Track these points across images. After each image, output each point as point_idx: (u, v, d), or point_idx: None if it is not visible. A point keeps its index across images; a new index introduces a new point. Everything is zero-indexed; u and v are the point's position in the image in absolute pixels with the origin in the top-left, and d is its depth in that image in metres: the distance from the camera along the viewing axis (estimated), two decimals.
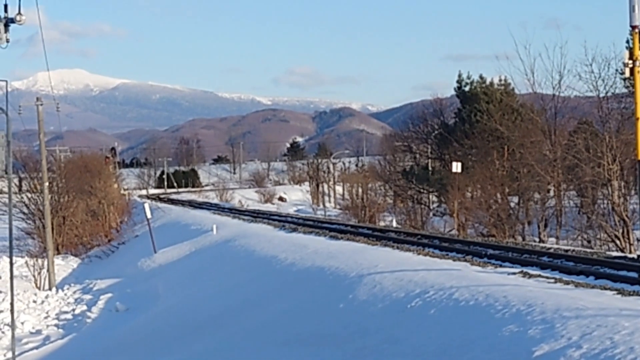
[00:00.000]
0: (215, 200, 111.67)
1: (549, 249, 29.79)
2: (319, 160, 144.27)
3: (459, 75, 76.29)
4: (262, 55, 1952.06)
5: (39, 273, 49.23)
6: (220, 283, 32.95)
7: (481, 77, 75.17)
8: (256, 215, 61.86)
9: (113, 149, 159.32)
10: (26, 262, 50.57)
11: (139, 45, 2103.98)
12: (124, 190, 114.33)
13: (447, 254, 27.50)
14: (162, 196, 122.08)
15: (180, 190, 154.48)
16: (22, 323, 34.27)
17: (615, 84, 48.11)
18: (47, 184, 54.69)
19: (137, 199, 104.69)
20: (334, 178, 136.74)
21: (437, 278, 20.51)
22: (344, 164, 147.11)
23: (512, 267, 23.44)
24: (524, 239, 49.07)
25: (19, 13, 21.49)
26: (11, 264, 25.34)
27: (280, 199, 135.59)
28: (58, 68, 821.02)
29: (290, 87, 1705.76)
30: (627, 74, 11.06)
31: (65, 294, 43.63)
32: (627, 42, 48.95)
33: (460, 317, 17.01)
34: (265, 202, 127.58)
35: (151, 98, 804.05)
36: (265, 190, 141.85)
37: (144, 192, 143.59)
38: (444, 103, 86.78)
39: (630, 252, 37.91)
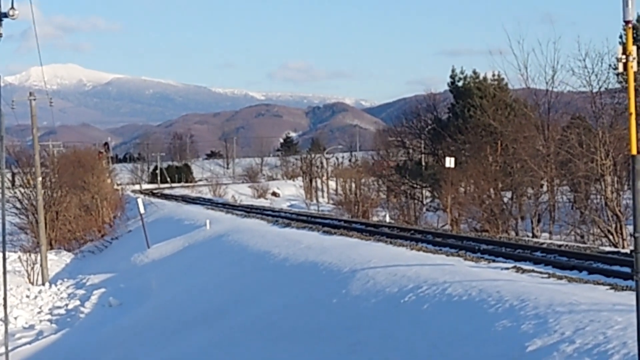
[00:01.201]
0: (209, 196, 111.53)
1: (542, 244, 29.85)
2: (312, 156, 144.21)
3: (453, 71, 76.40)
4: (255, 51, 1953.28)
5: (32, 268, 49.18)
6: (214, 278, 32.93)
7: (474, 72, 75.26)
8: (249, 211, 61.84)
9: (106, 144, 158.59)
10: (19, 257, 50.49)
11: (132, 40, 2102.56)
12: (117, 185, 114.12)
13: (441, 249, 27.53)
14: (155, 191, 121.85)
15: (173, 185, 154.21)
16: (15, 318, 34.25)
17: (609, 79, 48.16)
18: (40, 179, 54.62)
19: (130, 194, 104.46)
20: (327, 173, 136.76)
21: (430, 273, 20.51)
22: (337, 159, 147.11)
23: (506, 262, 23.47)
24: (517, 234, 49.12)
25: (12, 7, 21.38)
26: (4, 259, 25.28)
27: (274, 194, 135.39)
28: (51, 63, 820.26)
29: (284, 82, 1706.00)
30: (621, 69, 10.99)
31: (59, 289, 43.60)
32: (621, 37, 49.05)
33: (453, 312, 17.02)
34: (259, 197, 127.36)
35: (144, 93, 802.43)
36: (258, 185, 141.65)
37: (137, 187, 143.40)
38: (437, 98, 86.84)
39: (623, 247, 37.95)
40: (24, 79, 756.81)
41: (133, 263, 46.82)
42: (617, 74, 46.72)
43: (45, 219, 55.59)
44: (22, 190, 64.29)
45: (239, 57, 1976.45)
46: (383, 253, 25.89)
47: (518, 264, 22.35)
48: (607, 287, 17.74)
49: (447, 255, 25.24)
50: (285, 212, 60.78)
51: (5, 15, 21.57)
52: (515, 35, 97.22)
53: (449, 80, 76.68)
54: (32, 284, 47.78)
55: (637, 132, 11.47)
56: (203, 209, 67.47)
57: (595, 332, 13.19)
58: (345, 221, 46.63)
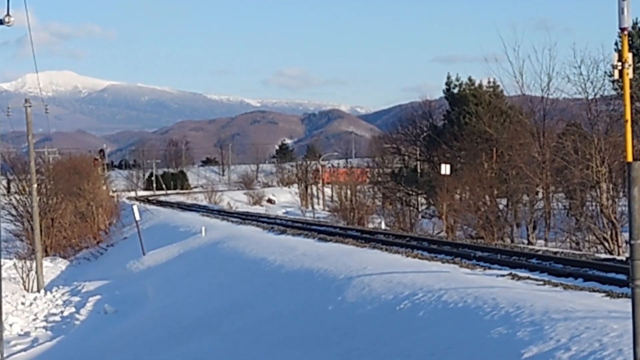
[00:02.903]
0: (204, 202, 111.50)
1: (538, 251, 29.86)
2: (308, 162, 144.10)
3: (448, 77, 76.34)
4: (251, 57, 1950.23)
5: (28, 275, 49.08)
6: (209, 285, 32.90)
7: (470, 79, 75.19)
8: (245, 217, 61.82)
9: (102, 150, 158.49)
10: (14, 264, 50.42)
11: (128, 47, 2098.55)
12: (113, 192, 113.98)
13: (436, 256, 27.53)
14: (150, 198, 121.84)
15: (168, 192, 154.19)
16: (11, 325, 34.17)
17: (604, 86, 48.17)
18: (35, 185, 54.52)
19: (125, 201, 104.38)
20: (322, 180, 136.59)
21: (425, 280, 20.51)
22: (332, 165, 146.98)
23: (501, 269, 23.47)
24: (512, 241, 49.11)
25: (8, 14, 21.40)
26: None
27: (269, 201, 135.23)
28: (47, 69, 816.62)
29: (279, 89, 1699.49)
30: (616, 76, 10.99)
31: (54, 296, 43.52)
32: (616, 44, 49.08)
33: (449, 319, 17.01)
34: (254, 204, 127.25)
35: (140, 100, 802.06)
36: (254, 192, 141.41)
37: (132, 194, 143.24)
38: (433, 105, 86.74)
39: (619, 254, 37.94)
40: (20, 86, 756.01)
41: (128, 270, 46.77)
42: (613, 81, 46.78)
43: (41, 225, 55.49)
44: (18, 197, 64.22)
45: (234, 64, 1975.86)
46: (378, 260, 25.90)
47: (514, 271, 22.35)
48: (603, 294, 17.74)
49: (443, 263, 25.25)
50: (281, 219, 60.78)
51: (1, 22, 21.57)
52: (511, 42, 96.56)
53: (444, 87, 76.67)
54: (28, 291, 47.69)
55: (632, 139, 11.48)
56: (198, 215, 67.43)
57: (591, 339, 13.19)
58: (340, 228, 46.62)
